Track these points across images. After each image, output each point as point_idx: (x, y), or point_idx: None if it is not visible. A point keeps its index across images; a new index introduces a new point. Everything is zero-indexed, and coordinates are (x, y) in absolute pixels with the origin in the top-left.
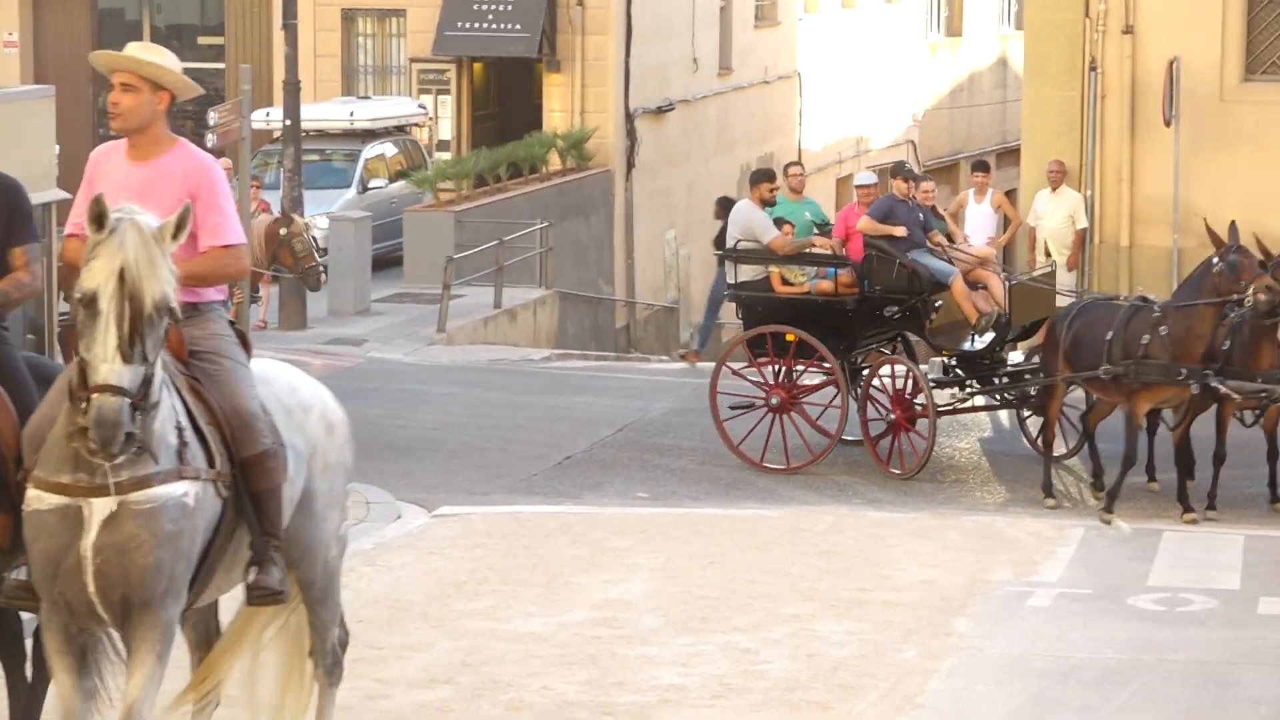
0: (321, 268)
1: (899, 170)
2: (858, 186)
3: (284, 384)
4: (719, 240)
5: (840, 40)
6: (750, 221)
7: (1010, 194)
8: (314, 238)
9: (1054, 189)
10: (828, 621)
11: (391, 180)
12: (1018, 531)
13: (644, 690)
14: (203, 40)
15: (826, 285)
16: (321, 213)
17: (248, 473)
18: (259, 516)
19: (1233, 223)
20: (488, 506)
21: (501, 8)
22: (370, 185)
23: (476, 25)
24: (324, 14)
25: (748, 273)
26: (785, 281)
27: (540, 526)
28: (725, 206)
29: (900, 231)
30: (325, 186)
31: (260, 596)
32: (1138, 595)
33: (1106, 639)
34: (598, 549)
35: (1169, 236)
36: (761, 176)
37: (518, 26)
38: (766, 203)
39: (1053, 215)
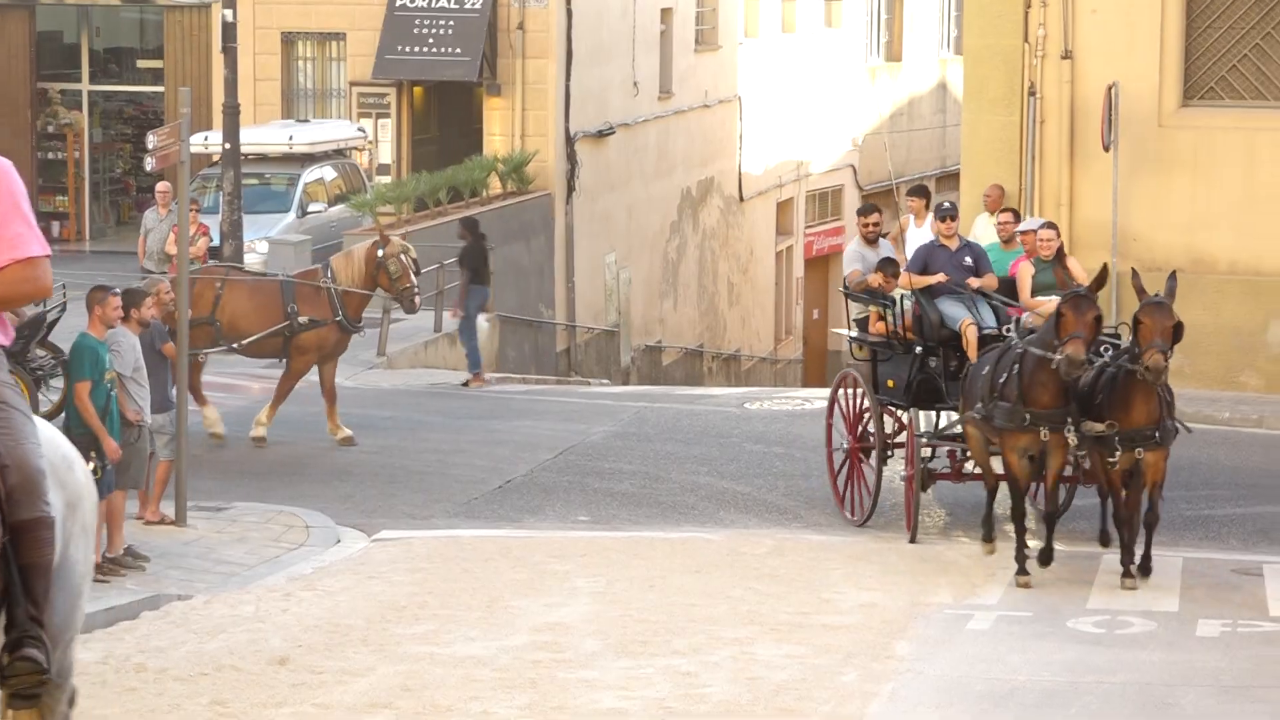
0: (417, 289)
1: (938, 211)
2: (1020, 233)
3: (44, 436)
4: (463, 258)
5: (780, 64)
6: (847, 255)
7: None
8: (414, 259)
9: (991, 213)
10: (768, 645)
11: (331, 204)
12: (957, 555)
13: (584, 714)
14: (142, 63)
15: (881, 326)
16: (261, 237)
17: (19, 540)
18: (25, 592)
19: (1172, 274)
20: (428, 530)
21: (442, 32)
22: (309, 209)
23: (417, 49)
24: (263, 37)
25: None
26: (880, 319)
27: (480, 550)
28: (469, 227)
29: (939, 278)
30: (264, 210)
31: (21, 671)
32: (1077, 618)
33: (1046, 661)
34: (538, 573)
35: (1107, 261)
36: (862, 210)
37: (458, 50)
38: (866, 239)
39: (990, 238)
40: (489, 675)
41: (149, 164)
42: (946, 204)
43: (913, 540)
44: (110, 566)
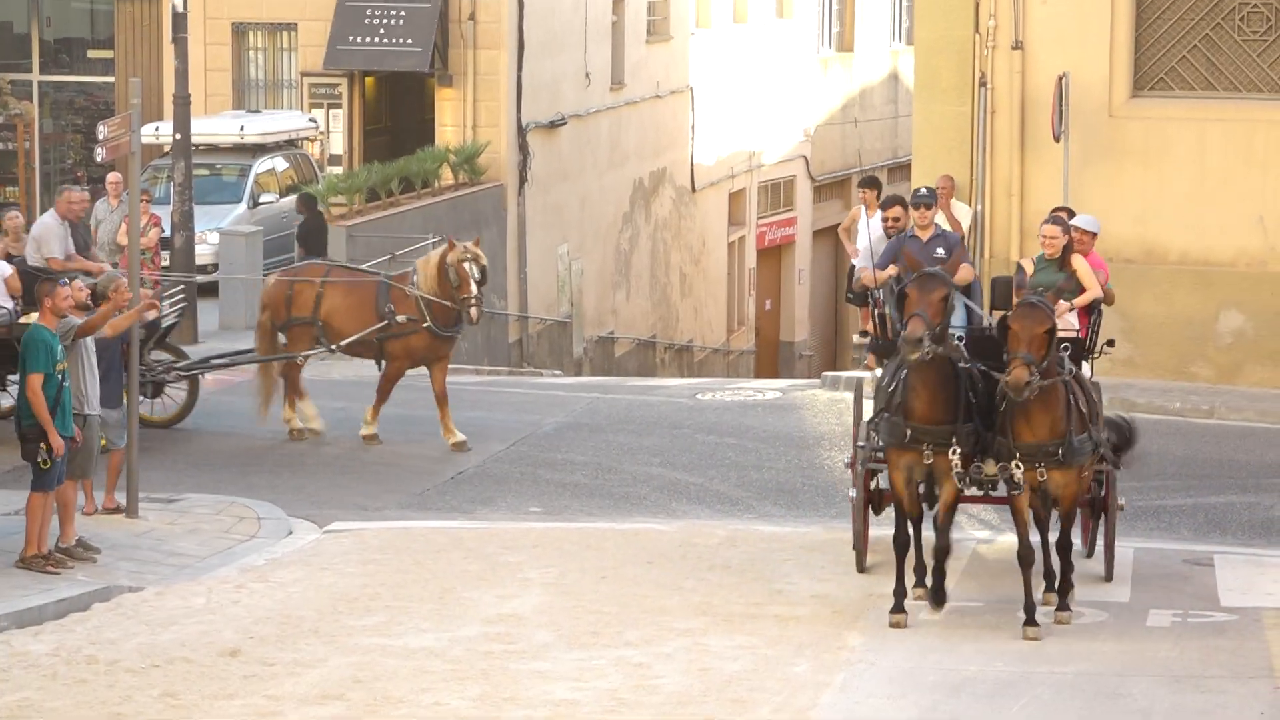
0: (475, 299)
1: (913, 198)
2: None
3: None
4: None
5: (732, 55)
6: (862, 254)
7: None
8: (482, 267)
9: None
10: (720, 636)
11: (283, 195)
12: None
13: (536, 705)
14: (93, 54)
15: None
16: (212, 228)
17: None
18: None
19: (1018, 266)
20: (380, 522)
21: (393, 22)
22: (261, 200)
23: (368, 39)
24: (214, 28)
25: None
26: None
27: (432, 542)
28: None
29: (889, 274)
30: (216, 201)
31: None
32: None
33: (998, 652)
34: (490, 564)
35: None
36: (888, 203)
37: (409, 41)
38: (886, 235)
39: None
40: (441, 666)
41: (99, 155)
42: (924, 189)
43: (861, 570)
44: (61, 557)
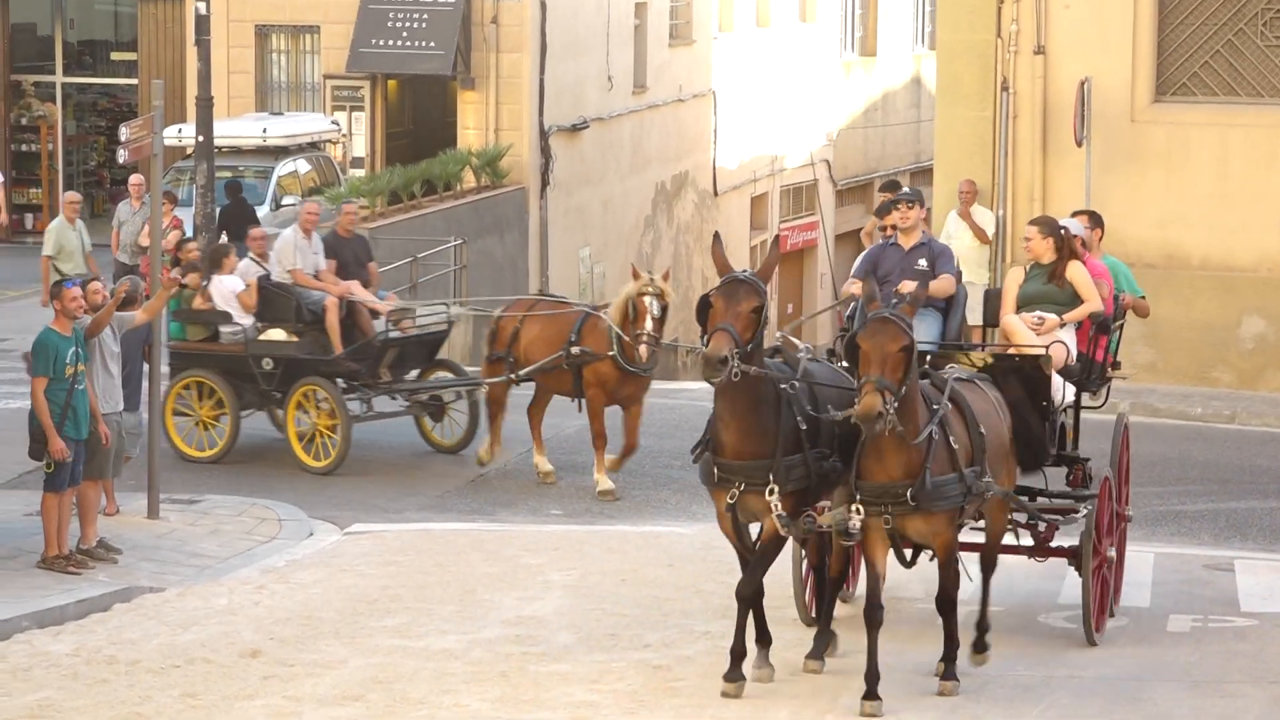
0: (646, 338)
1: (894, 198)
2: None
3: None
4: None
5: (755, 59)
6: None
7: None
8: (664, 305)
9: (965, 208)
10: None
11: (305, 197)
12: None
13: (556, 707)
14: (116, 56)
15: None
16: None
17: None
18: None
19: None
20: (400, 524)
21: (416, 25)
22: (284, 202)
23: (391, 42)
24: (237, 30)
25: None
26: None
27: (453, 544)
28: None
29: (854, 289)
30: None
31: None
32: (1049, 613)
33: (1018, 656)
34: (511, 566)
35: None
36: (883, 210)
37: (432, 44)
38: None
39: (964, 233)
40: (461, 668)
41: (122, 156)
42: (906, 189)
43: (809, 622)
44: (82, 558)
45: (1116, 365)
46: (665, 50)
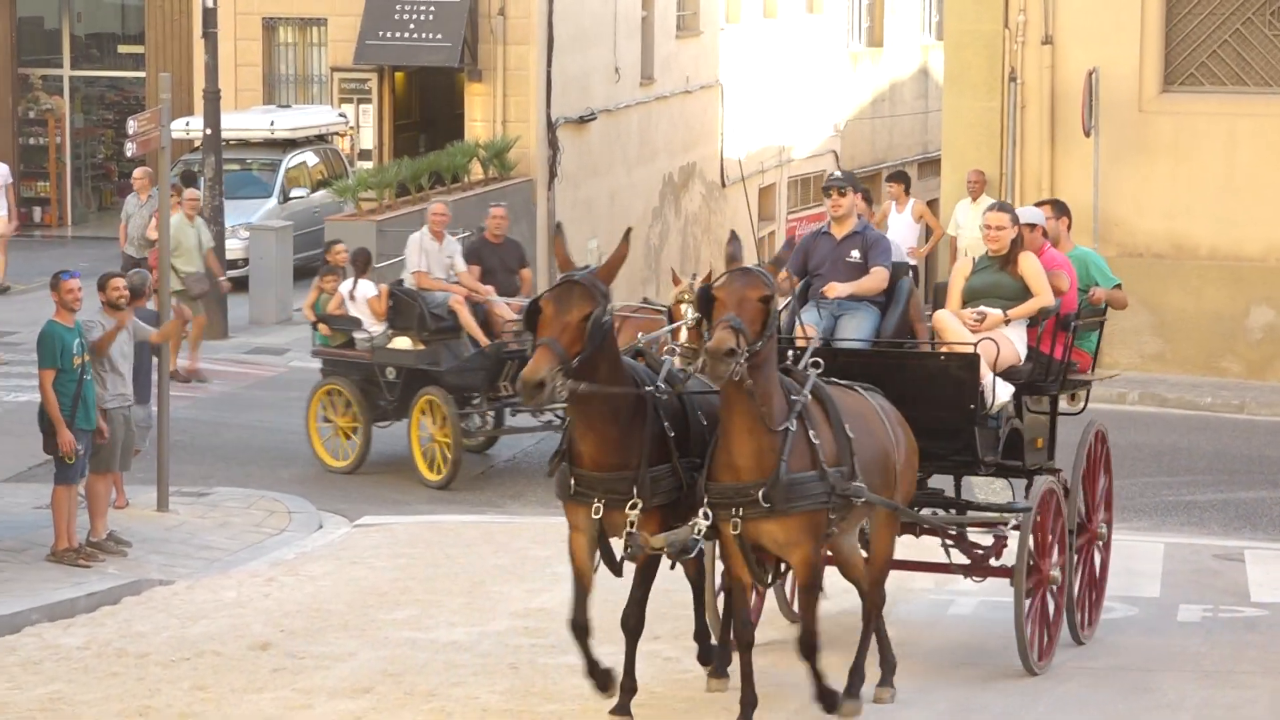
0: (670, 348)
1: (825, 183)
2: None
3: None
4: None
5: (762, 50)
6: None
7: (932, 204)
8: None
9: (974, 199)
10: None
11: (313, 190)
12: (936, 542)
13: (566, 699)
14: (123, 49)
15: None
16: (242, 223)
17: None
18: None
19: (732, 234)
20: (410, 516)
21: (423, 17)
22: (292, 195)
23: (398, 34)
24: (245, 23)
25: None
26: None
27: (462, 536)
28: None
29: (786, 286)
30: (246, 196)
31: None
32: None
33: None
34: (520, 558)
35: (1089, 245)
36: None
37: (439, 36)
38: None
39: (972, 225)
40: (471, 660)
41: (130, 149)
42: (838, 174)
43: (713, 671)
44: (92, 551)
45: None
46: (672, 42)
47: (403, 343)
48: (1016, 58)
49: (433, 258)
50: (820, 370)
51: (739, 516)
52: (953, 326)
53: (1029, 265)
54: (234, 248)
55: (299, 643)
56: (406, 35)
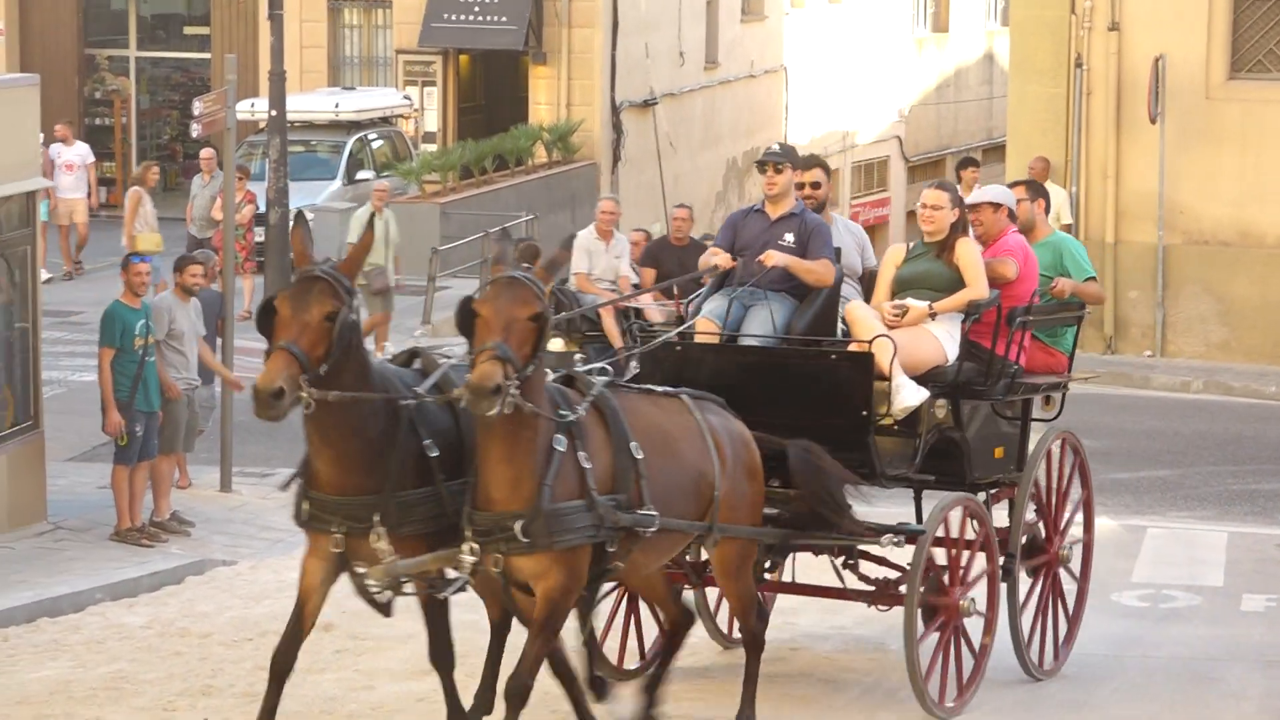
0: None
1: (762, 157)
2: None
3: None
4: None
5: (827, 35)
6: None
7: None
8: None
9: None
10: (812, 615)
11: (378, 172)
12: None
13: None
14: (189, 30)
15: None
16: (306, 205)
17: None
18: None
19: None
20: None
21: (488, 0)
22: (358, 176)
23: (463, 17)
24: (310, 5)
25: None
26: None
27: None
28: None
29: (708, 261)
30: (310, 178)
31: None
32: (1122, 592)
33: (1090, 635)
34: None
35: (1154, 233)
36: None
37: (504, 19)
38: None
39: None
40: None
41: (195, 130)
42: (776, 146)
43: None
44: (155, 531)
45: (1057, 388)
46: (737, 26)
47: (557, 344)
48: (1083, 44)
49: (597, 258)
50: (631, 376)
51: (500, 552)
52: (865, 320)
53: (966, 253)
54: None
55: (362, 624)
56: (471, 18)
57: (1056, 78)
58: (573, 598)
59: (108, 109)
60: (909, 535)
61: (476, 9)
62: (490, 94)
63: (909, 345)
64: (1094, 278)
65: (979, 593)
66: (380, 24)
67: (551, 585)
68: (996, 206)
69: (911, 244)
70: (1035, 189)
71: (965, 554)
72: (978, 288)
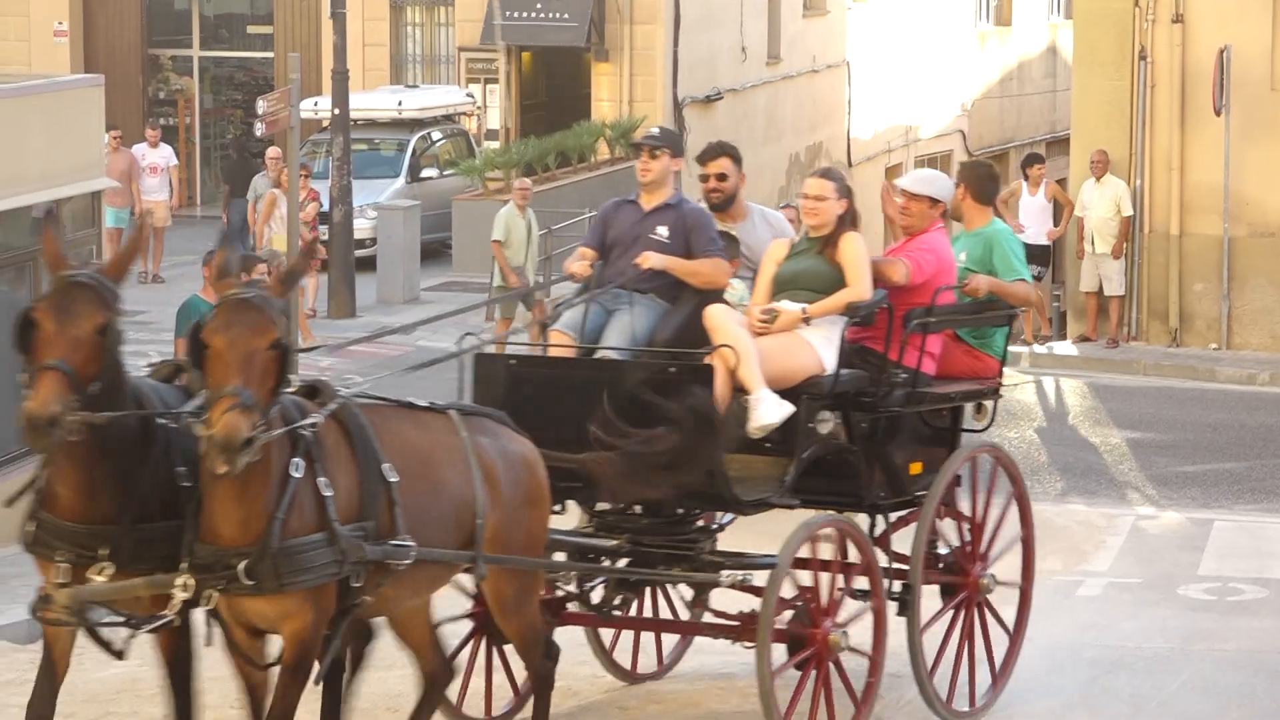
0: None
1: (640, 140)
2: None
3: None
4: (226, 174)
5: (889, 29)
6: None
7: (1060, 183)
8: None
9: (1098, 178)
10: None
11: (441, 170)
12: (1067, 521)
13: (692, 679)
14: (252, 29)
15: None
16: (370, 203)
17: None
18: None
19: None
20: None
21: None
22: (423, 174)
23: (525, 14)
24: (372, 3)
25: None
26: None
27: None
28: (238, 148)
29: (570, 268)
30: (374, 176)
31: None
32: (1188, 585)
33: (1157, 628)
34: None
35: (1219, 225)
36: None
37: (566, 15)
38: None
39: (1097, 205)
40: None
41: (259, 129)
42: (655, 130)
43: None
44: None
45: (984, 402)
46: (799, 21)
47: None
48: (1147, 36)
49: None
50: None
51: (219, 590)
52: (723, 326)
53: (849, 249)
54: (362, 227)
55: None
56: (533, 15)
57: (1120, 70)
58: (322, 635)
59: (172, 109)
60: (759, 567)
61: (539, 6)
62: (552, 91)
63: (778, 354)
64: (1024, 279)
65: (863, 628)
66: (442, 21)
67: (301, 627)
68: (934, 202)
69: (795, 239)
70: (970, 174)
71: (835, 583)
72: (859, 288)
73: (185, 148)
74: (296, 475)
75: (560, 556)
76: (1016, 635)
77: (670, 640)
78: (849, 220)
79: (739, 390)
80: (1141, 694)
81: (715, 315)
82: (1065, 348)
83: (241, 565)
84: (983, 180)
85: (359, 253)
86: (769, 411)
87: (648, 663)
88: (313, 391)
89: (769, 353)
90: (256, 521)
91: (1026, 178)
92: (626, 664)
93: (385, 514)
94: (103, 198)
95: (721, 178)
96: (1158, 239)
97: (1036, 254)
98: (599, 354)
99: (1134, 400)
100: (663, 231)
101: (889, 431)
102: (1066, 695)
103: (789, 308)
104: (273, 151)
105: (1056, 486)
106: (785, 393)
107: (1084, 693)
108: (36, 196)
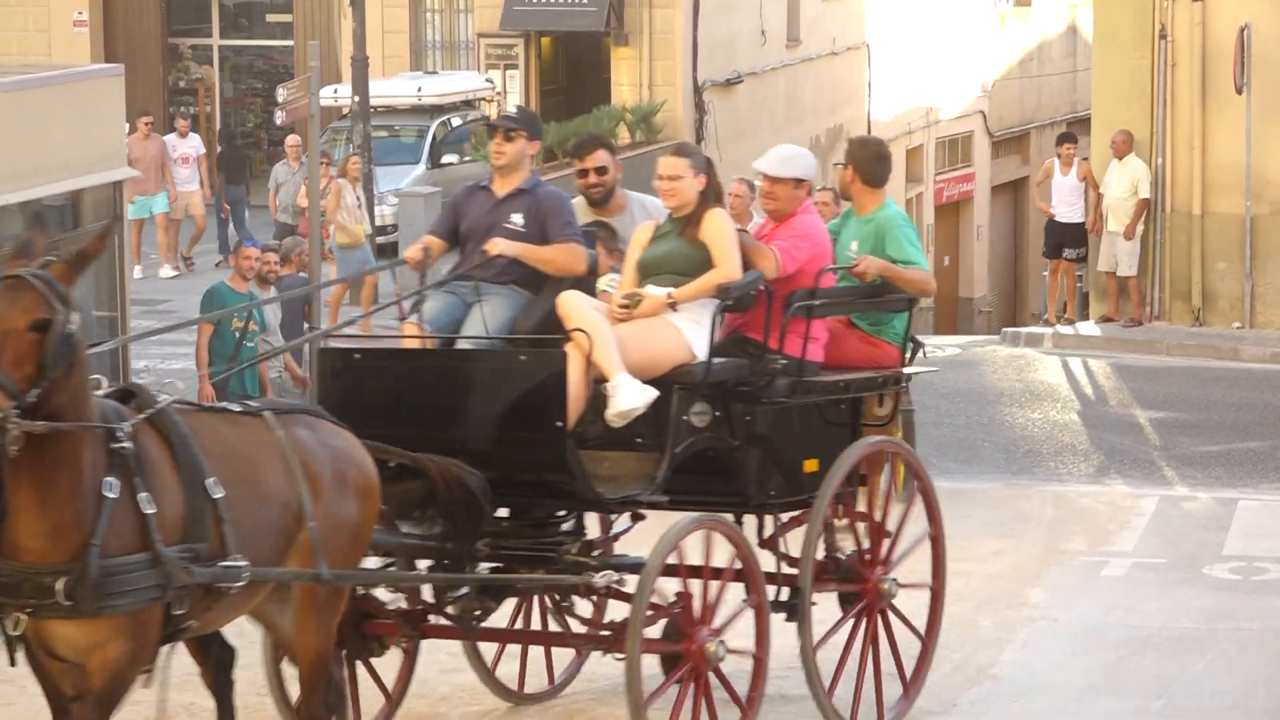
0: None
1: (493, 125)
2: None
3: None
4: (220, 164)
5: (909, 11)
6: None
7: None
8: None
9: (1119, 158)
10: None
11: (461, 156)
12: (1091, 501)
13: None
14: (271, 17)
15: None
16: (391, 189)
17: None
18: None
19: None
20: None
21: None
22: (443, 160)
23: (544, 0)
24: None
25: None
26: None
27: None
28: (226, 138)
29: (409, 255)
30: (394, 163)
31: None
32: (1213, 565)
33: (1182, 608)
34: None
35: (1241, 204)
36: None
37: (585, 1)
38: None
39: (1116, 185)
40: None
41: (279, 118)
42: (512, 110)
43: None
44: None
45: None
46: (818, 3)
47: None
48: (1167, 15)
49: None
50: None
51: (27, 613)
52: (578, 311)
53: (713, 226)
54: (383, 214)
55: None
56: (553, 0)
57: (1141, 50)
58: (140, 665)
59: (192, 97)
60: (629, 568)
61: None
62: (572, 76)
63: (641, 340)
64: (920, 265)
65: (744, 635)
66: (461, 8)
67: (115, 656)
68: (799, 182)
69: (659, 222)
70: (858, 154)
71: (711, 589)
72: (727, 267)
73: (206, 136)
74: (111, 496)
75: (423, 564)
76: (929, 640)
77: (563, 656)
78: (711, 196)
79: (598, 380)
80: (1167, 674)
81: (568, 301)
82: (1088, 328)
83: (60, 584)
84: (872, 160)
85: (380, 239)
86: (629, 397)
87: (537, 681)
88: (127, 395)
89: (631, 340)
90: (70, 539)
91: (1059, 156)
92: (512, 684)
93: (213, 532)
94: (125, 187)
95: (601, 171)
96: (1179, 218)
97: (1071, 233)
98: (449, 345)
99: (1158, 380)
100: (517, 220)
101: (776, 425)
102: (1091, 676)
103: (654, 293)
104: (291, 139)
105: (1080, 467)
106: (654, 383)
107: (1109, 673)
108: (58, 187)
